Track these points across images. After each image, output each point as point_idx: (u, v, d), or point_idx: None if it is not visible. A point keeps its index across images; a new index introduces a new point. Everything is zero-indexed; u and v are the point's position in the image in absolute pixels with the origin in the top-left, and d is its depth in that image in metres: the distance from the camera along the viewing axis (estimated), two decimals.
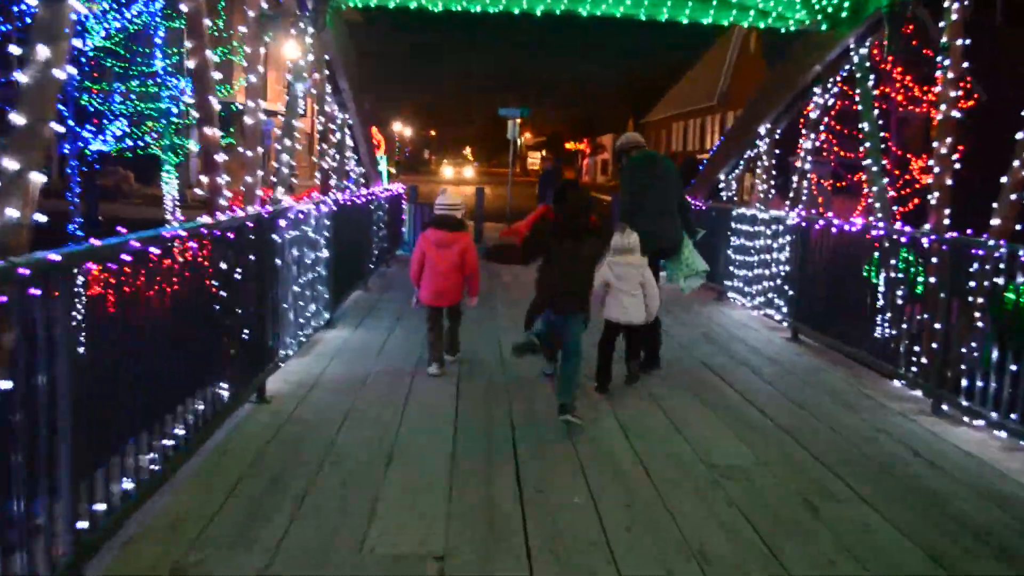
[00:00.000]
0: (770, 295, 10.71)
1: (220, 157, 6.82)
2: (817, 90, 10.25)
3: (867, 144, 8.95)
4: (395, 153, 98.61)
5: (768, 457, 5.79)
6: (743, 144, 12.92)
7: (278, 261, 6.99)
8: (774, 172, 12.39)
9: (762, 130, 12.35)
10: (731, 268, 12.22)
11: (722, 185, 13.96)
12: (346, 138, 12.60)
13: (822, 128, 11.68)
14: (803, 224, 9.65)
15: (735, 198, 13.81)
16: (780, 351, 9.23)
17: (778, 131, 12.12)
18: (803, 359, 8.89)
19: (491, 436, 6.02)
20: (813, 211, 12.49)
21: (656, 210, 7.78)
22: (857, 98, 9.40)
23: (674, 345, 9.31)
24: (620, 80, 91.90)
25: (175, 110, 17.95)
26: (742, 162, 13.35)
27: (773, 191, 12.66)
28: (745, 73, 49.97)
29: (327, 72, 10.90)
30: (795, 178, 12.15)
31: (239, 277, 5.89)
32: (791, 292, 10.02)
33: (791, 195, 12.53)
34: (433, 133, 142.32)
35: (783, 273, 10.28)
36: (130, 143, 18.20)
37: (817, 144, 10.79)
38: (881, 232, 8.04)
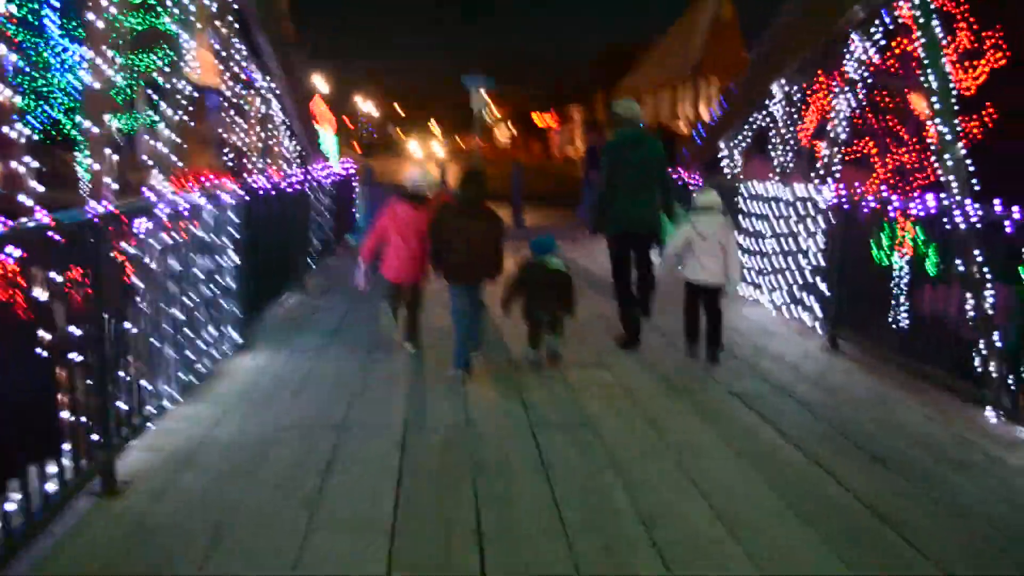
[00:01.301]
0: (797, 292, 8.71)
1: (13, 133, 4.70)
2: (855, 39, 8.25)
3: (936, 103, 6.92)
4: (359, 132, 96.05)
5: None
6: (751, 106, 10.87)
7: (134, 280, 4.87)
8: (778, 142, 10.36)
9: (776, 89, 10.29)
10: (742, 257, 10.20)
11: (723, 155, 11.92)
12: (272, 110, 10.41)
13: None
14: (844, 205, 7.63)
15: (739, 172, 11.77)
16: (823, 368, 7.23)
17: (796, 90, 10.06)
18: (855, 380, 6.90)
19: (449, 550, 3.95)
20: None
21: (633, 194, 7.47)
22: (914, 48, 7.38)
23: (688, 362, 7.30)
24: (588, 51, 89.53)
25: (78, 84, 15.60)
26: (748, 128, 11.29)
27: (787, 165, 10.63)
28: (719, 42, 48.22)
29: (236, 26, 8.66)
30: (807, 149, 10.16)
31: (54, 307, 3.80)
32: (826, 290, 8.03)
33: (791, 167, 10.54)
34: (398, 107, 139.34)
35: (815, 266, 8.28)
36: (35, 123, 16.00)
37: (851, 109, 8.76)
38: (972, 215, 6.02)
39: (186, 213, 5.71)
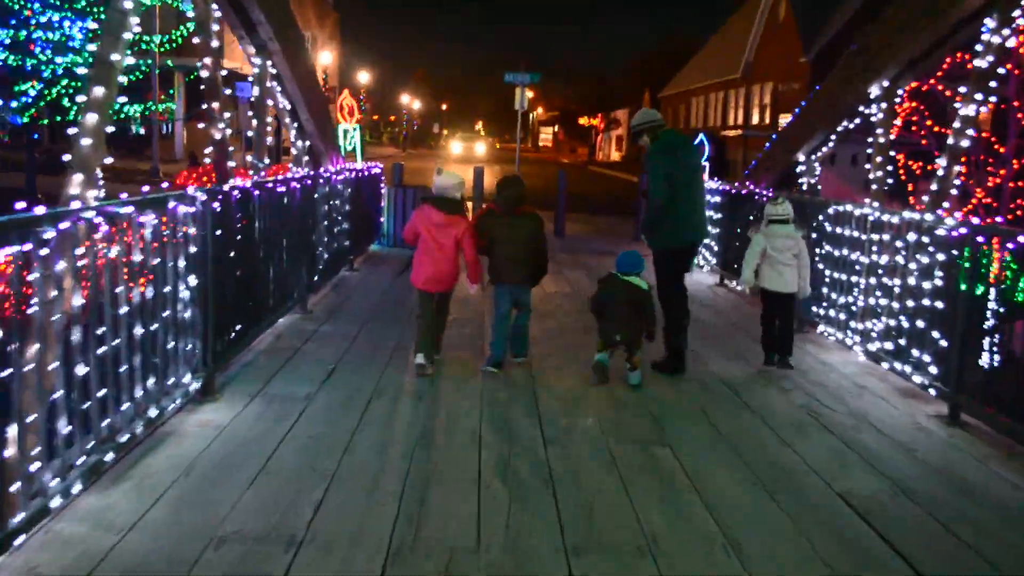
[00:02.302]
0: (900, 339, 7.05)
1: None
2: (990, 23, 6.58)
3: None
4: (402, 127, 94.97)
5: None
6: (839, 111, 9.20)
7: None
8: (876, 154, 8.67)
9: (875, 90, 8.60)
10: (823, 289, 8.56)
11: (801, 168, 10.25)
12: (278, 99, 8.92)
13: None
14: (978, 236, 5.97)
15: (817, 187, 10.09)
16: (947, 453, 5.57)
17: (900, 91, 8.37)
18: (999, 477, 5.24)
19: None
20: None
21: (692, 201, 7.05)
22: None
23: (763, 432, 5.69)
24: (636, 52, 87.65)
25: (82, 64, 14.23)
26: (833, 137, 9.61)
27: (884, 181, 8.95)
28: (773, 43, 46.08)
29: None
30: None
31: None
32: (944, 341, 6.37)
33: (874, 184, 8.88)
34: (444, 106, 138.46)
35: (928, 309, 6.61)
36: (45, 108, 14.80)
37: (980, 109, 7.07)
38: None
39: (103, 226, 4.21)
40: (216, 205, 5.73)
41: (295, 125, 9.51)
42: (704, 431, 5.76)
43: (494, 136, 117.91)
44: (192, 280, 5.41)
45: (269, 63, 8.21)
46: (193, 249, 5.40)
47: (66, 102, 15.06)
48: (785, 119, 43.03)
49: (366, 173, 12.67)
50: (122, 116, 15.16)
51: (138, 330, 4.66)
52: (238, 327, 6.62)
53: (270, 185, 7.13)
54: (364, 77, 74.08)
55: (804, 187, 10.24)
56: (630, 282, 6.60)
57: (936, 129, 13.67)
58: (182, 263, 5.24)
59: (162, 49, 15.38)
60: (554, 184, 17.84)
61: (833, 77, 9.60)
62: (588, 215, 21.98)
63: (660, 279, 7.17)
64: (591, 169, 62.85)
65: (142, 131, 35.47)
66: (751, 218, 10.64)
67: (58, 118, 14.88)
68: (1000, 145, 12.83)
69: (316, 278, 9.21)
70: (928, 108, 13.19)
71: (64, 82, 14.76)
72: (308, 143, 9.89)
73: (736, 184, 11.43)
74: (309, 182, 8.52)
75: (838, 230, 8.18)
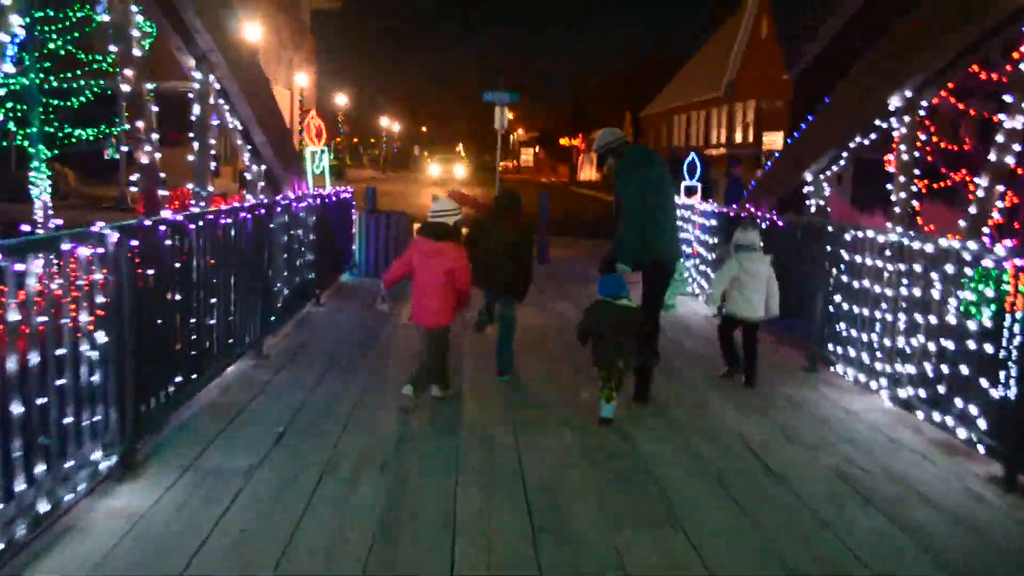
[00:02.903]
0: (937, 386, 6.13)
1: None
2: None
3: None
4: (382, 149, 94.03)
5: None
6: (853, 125, 8.33)
7: None
8: (899, 173, 7.80)
9: (896, 102, 7.74)
10: (839, 324, 7.67)
11: (808, 189, 9.37)
12: (226, 118, 7.97)
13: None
14: None
15: (826, 209, 9.22)
16: (1019, 536, 4.67)
17: (924, 103, 7.50)
18: None
19: None
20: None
21: (665, 218, 6.83)
22: None
23: (793, 507, 4.73)
24: (616, 72, 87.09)
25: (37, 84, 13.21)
26: (845, 154, 8.74)
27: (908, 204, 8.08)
28: (756, 61, 45.55)
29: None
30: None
31: None
32: (995, 392, 5.46)
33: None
34: (424, 128, 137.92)
35: (974, 353, 5.71)
36: None
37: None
38: None
39: None
40: (135, 243, 4.76)
41: (248, 148, 8.54)
42: (723, 507, 4.81)
43: (474, 157, 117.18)
44: (101, 337, 4.43)
45: (212, 77, 7.27)
46: (101, 299, 4.43)
47: (12, 125, 14.04)
48: (770, 137, 42.39)
49: (334, 198, 11.71)
50: (73, 140, 14.13)
51: (15, 408, 3.68)
52: (172, 384, 5.65)
53: (211, 217, 6.15)
54: (342, 100, 73.26)
55: (812, 209, 9.37)
56: (622, 305, 6.33)
57: (943, 145, 12.87)
58: (85, 317, 4.26)
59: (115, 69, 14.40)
60: (536, 205, 16.93)
61: (847, 88, 8.76)
62: (572, 238, 21.09)
63: (650, 298, 6.94)
64: (573, 190, 62.05)
65: (116, 156, 34.28)
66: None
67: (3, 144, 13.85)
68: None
69: (273, 318, 8.23)
70: (934, 122, 12.36)
71: (9, 105, 13.75)
72: (264, 167, 8.93)
73: (734, 207, 10.55)
74: (263, 211, 7.55)
75: (857, 259, 7.29)
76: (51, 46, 13.16)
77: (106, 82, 13.22)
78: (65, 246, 3.99)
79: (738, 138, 47.95)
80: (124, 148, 24.22)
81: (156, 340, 5.30)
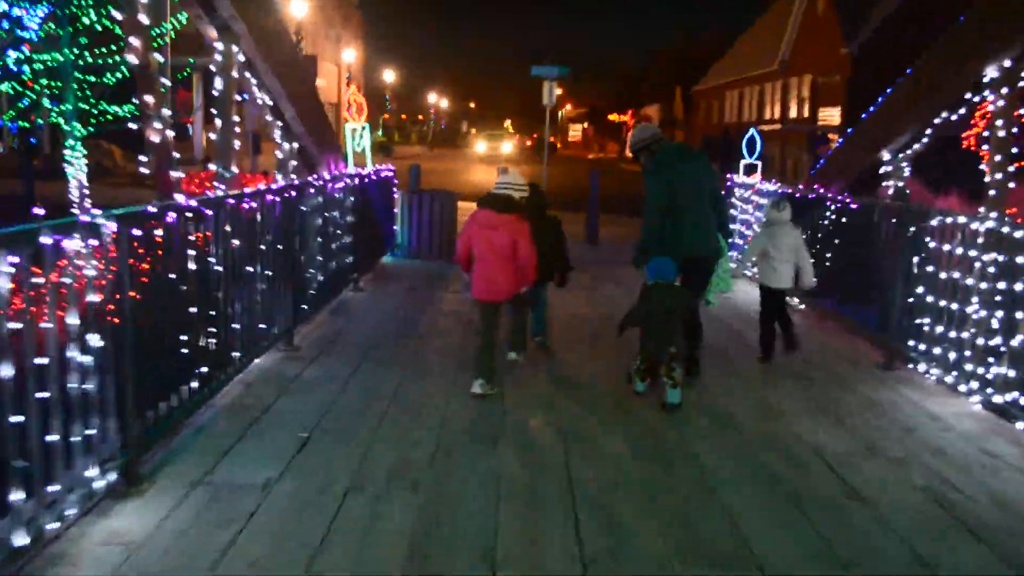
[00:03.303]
0: None
1: None
2: None
3: None
4: (429, 126, 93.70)
5: None
6: (940, 99, 7.55)
7: None
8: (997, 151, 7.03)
9: (993, 72, 6.96)
10: (921, 318, 6.95)
11: (885, 169, 8.61)
12: (254, 93, 7.44)
13: None
14: None
15: (906, 191, 8.44)
16: None
17: None
18: None
19: None
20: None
21: (691, 216, 6.54)
22: None
23: (887, 540, 4.06)
24: (666, 48, 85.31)
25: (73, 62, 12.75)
26: (928, 132, 7.96)
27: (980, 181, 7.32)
28: (811, 35, 44.11)
29: None
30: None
31: None
32: None
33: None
34: (472, 105, 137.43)
35: None
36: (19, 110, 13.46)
37: None
38: None
39: None
40: (138, 232, 4.24)
41: (279, 125, 8.00)
42: (804, 539, 4.16)
43: (523, 133, 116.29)
44: (96, 340, 3.92)
45: (235, 48, 6.72)
46: (96, 298, 3.91)
47: (47, 102, 13.65)
48: (826, 112, 41.10)
49: (374, 177, 11.17)
50: (108, 118, 13.71)
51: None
52: (188, 384, 5.15)
53: (231, 201, 5.61)
54: (390, 76, 72.94)
55: (890, 191, 8.60)
56: (675, 288, 6.25)
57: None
58: (74, 320, 3.74)
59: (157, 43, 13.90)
60: (584, 184, 16.25)
61: (931, 58, 7.95)
62: (624, 216, 20.26)
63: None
64: (622, 167, 61.01)
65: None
66: (821, 225, 9.05)
67: (40, 121, 13.44)
68: None
69: (306, 306, 7.72)
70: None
71: (44, 82, 13.35)
72: (296, 145, 8.39)
73: (800, 187, 9.80)
74: (293, 193, 7.01)
75: (946, 246, 6.56)
76: (85, 20, 12.67)
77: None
78: (46, 239, 3.46)
79: (793, 113, 46.58)
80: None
81: (166, 338, 4.79)
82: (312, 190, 7.74)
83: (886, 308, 7.47)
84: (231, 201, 5.56)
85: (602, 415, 5.90)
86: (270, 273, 6.73)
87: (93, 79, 13.71)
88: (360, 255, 10.14)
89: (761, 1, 58.13)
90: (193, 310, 5.26)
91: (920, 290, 6.93)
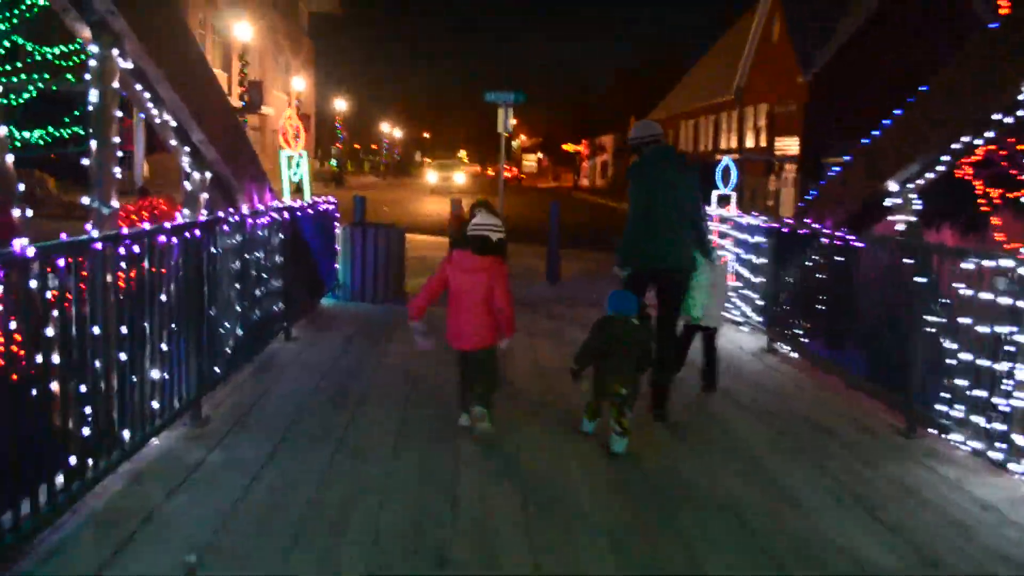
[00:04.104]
0: None
1: None
2: None
3: None
4: (382, 155, 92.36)
5: None
6: (963, 122, 6.52)
7: None
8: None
9: None
10: (950, 378, 5.86)
11: (893, 202, 7.56)
12: (149, 110, 6.17)
13: None
14: None
15: (917, 227, 7.40)
16: None
17: None
18: None
19: None
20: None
21: (663, 224, 6.35)
22: None
23: None
24: (621, 76, 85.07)
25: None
26: (945, 157, 6.92)
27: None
28: (767, 63, 43.78)
29: None
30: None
31: None
32: None
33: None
34: (427, 134, 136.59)
35: None
36: None
37: None
38: None
39: None
40: None
41: (186, 149, 6.72)
42: None
43: (477, 163, 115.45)
44: None
45: (117, 53, 5.45)
46: None
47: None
48: (783, 142, 40.64)
49: (309, 211, 9.91)
50: (16, 144, 12.33)
51: None
52: (41, 488, 3.87)
53: (98, 246, 4.33)
54: (342, 105, 71.60)
55: (902, 228, 7.54)
56: (634, 324, 5.91)
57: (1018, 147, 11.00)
58: None
59: (60, 63, 12.59)
60: (541, 216, 15.09)
61: (955, 71, 6.93)
62: (582, 250, 19.15)
63: None
64: (577, 196, 60.20)
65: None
66: (810, 263, 8.00)
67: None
68: None
69: (218, 368, 6.41)
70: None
71: None
72: (209, 175, 7.09)
73: (786, 220, 8.75)
74: (198, 232, 5.74)
75: (983, 294, 5.48)
76: None
77: (50, 77, 11.47)
78: None
79: (749, 143, 46.19)
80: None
81: (15, 424, 3.53)
82: (226, 227, 6.47)
83: (905, 364, 6.38)
84: (98, 246, 4.28)
85: (576, 521, 4.69)
86: (170, 330, 5.46)
87: None
88: (292, 300, 8.86)
89: (716, 28, 58.10)
90: (44, 390, 3.99)
91: (948, 344, 5.85)
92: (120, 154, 5.98)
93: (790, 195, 38.98)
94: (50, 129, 13.18)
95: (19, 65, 11.67)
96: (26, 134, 12.51)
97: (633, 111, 70.24)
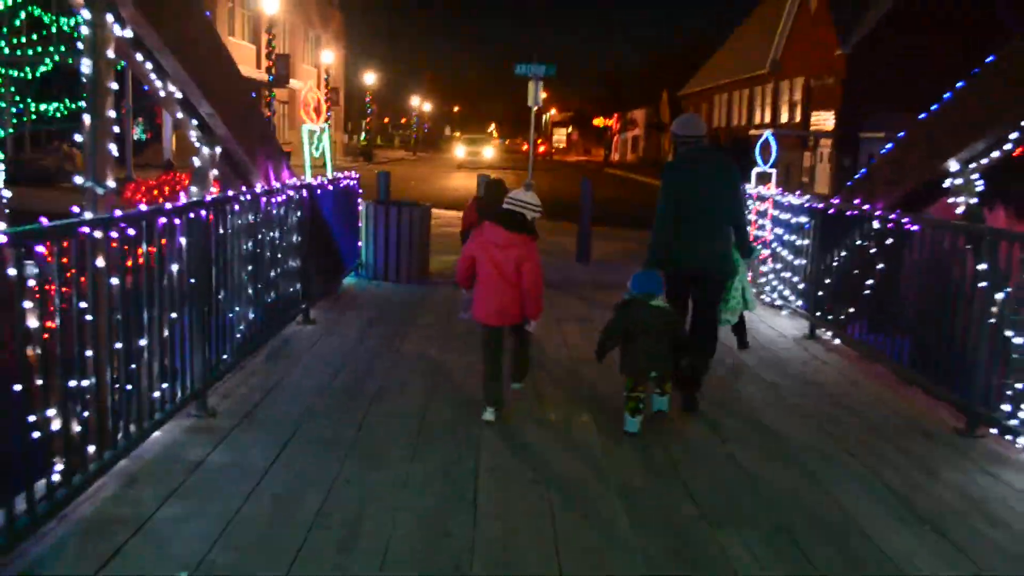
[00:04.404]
0: None
1: None
2: None
3: None
4: (412, 129, 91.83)
5: None
6: None
7: None
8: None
9: None
10: (1013, 373, 5.36)
11: (955, 182, 7.01)
12: (153, 83, 5.76)
13: None
14: None
15: (979, 211, 6.85)
16: None
17: None
18: None
19: None
20: None
21: (699, 228, 6.14)
22: None
23: None
24: (653, 51, 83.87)
25: None
26: (1015, 135, 6.36)
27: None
28: (804, 36, 42.72)
29: None
30: None
31: None
32: None
33: None
34: (457, 109, 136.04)
35: None
36: None
37: None
38: None
39: None
40: None
41: (194, 123, 6.31)
42: None
43: (508, 138, 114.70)
44: None
45: (111, 18, 5.03)
46: None
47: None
48: (819, 116, 39.71)
49: (330, 188, 9.50)
50: (32, 117, 12.01)
51: None
52: (26, 492, 3.51)
53: (88, 230, 3.94)
54: (370, 78, 71.10)
55: (960, 210, 6.99)
56: (657, 306, 5.69)
57: None
58: None
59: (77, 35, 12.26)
60: (572, 191, 14.54)
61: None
62: (614, 228, 18.54)
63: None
64: (608, 172, 59.42)
65: (144, 136, 33.11)
66: (854, 243, 7.48)
67: None
68: None
69: (227, 356, 6.04)
70: None
71: None
72: (219, 150, 6.68)
73: (833, 201, 8.22)
74: (204, 213, 5.34)
75: None
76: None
77: (67, 49, 11.13)
78: None
79: (784, 118, 45.23)
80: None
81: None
82: (237, 206, 6.07)
83: (965, 358, 5.88)
84: (87, 230, 3.88)
85: (612, 525, 4.27)
86: (172, 318, 5.09)
87: (15, 74, 11.99)
88: (311, 280, 8.48)
89: (751, 1, 57.03)
90: (29, 383, 3.63)
91: (1017, 339, 5.34)
92: (144, 133, 5.60)
93: (825, 171, 38.17)
94: (67, 102, 12.87)
95: (35, 38, 11.30)
96: (43, 106, 12.16)
97: (665, 85, 69.21)
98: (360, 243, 11.23)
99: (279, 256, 7.36)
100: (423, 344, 7.74)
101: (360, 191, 11.40)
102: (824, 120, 39.14)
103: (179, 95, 5.98)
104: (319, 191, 8.86)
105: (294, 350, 7.38)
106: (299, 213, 7.96)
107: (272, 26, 33.86)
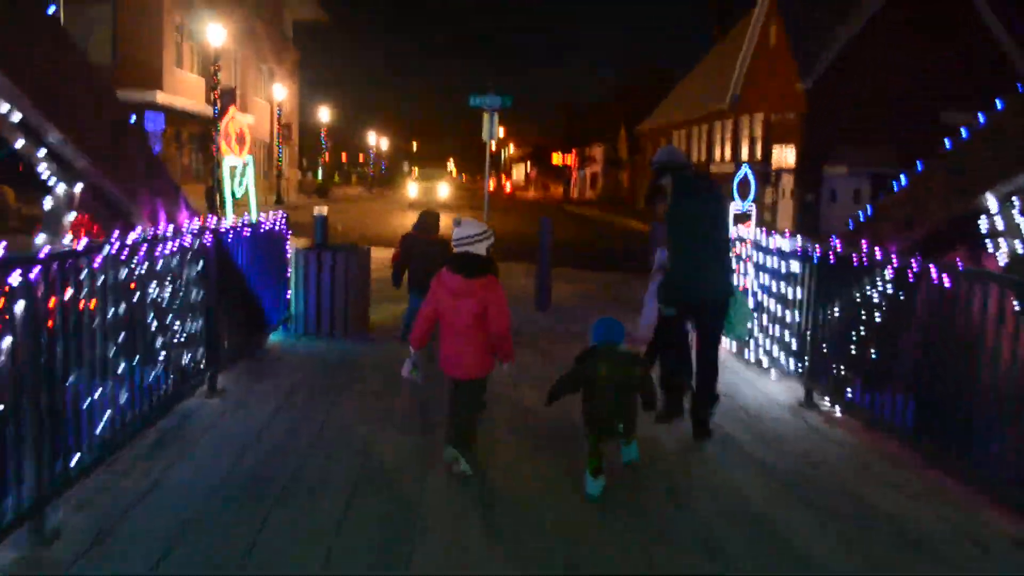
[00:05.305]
0: None
1: None
2: None
3: None
4: (369, 167, 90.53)
5: None
6: None
7: None
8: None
9: None
10: None
11: (994, 222, 5.84)
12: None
13: None
14: None
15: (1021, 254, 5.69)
16: None
17: None
18: None
19: None
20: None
21: (710, 257, 6.31)
22: None
23: None
24: (611, 85, 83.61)
25: None
26: None
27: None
28: (764, 70, 42.23)
29: None
30: None
31: None
32: None
33: None
34: (415, 145, 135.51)
35: None
36: None
37: None
38: None
39: None
40: None
41: (41, 154, 4.95)
42: None
43: (466, 174, 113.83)
44: None
45: None
46: None
47: None
48: (780, 151, 39.08)
49: (247, 233, 8.13)
50: None
51: None
52: None
53: None
54: (325, 115, 69.78)
55: (1002, 257, 5.82)
56: (621, 353, 5.43)
57: None
58: None
59: None
60: (529, 231, 13.26)
61: None
62: (577, 269, 17.26)
63: (662, 335, 6.77)
64: (568, 209, 58.40)
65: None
66: (863, 295, 6.31)
67: None
68: None
69: (81, 454, 4.64)
70: None
71: None
72: (76, 188, 5.30)
73: (831, 245, 7.03)
74: (35, 273, 3.98)
75: None
76: None
77: None
78: None
79: (745, 153, 44.67)
80: None
81: None
82: (97, 261, 4.70)
83: (1010, 439, 4.67)
84: None
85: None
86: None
87: None
88: (218, 344, 7.11)
89: (710, 36, 56.87)
90: None
91: None
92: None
93: (788, 207, 37.43)
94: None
95: None
96: None
97: (624, 120, 68.69)
98: (289, 294, 9.87)
99: (170, 318, 5.98)
100: (354, 418, 6.42)
101: (289, 233, 10.04)
102: (785, 156, 38.53)
103: (15, 117, 4.63)
104: (230, 236, 7.51)
105: (188, 433, 5.99)
106: (201, 263, 6.60)
107: (218, 58, 32.48)
